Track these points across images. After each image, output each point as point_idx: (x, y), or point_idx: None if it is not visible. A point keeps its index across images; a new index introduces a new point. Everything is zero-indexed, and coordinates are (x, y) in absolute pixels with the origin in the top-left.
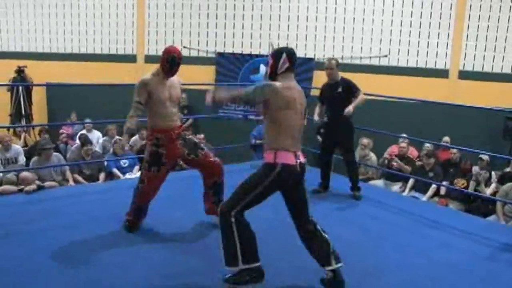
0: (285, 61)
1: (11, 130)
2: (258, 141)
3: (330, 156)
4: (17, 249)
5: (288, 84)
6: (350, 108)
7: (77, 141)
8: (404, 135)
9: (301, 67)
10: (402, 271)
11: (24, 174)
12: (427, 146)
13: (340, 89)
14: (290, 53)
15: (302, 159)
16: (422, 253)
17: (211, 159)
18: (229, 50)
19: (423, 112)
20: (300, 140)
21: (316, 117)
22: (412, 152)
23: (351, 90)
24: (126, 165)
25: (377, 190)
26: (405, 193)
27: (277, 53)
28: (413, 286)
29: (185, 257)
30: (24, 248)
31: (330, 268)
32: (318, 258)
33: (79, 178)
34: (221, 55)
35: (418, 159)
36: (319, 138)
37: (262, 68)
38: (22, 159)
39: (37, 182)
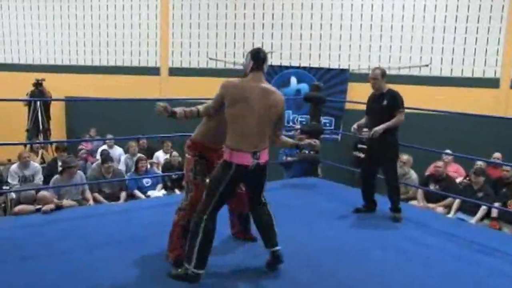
0: (250, 61)
1: (28, 146)
2: (289, 158)
3: (371, 174)
4: (34, 273)
5: (245, 83)
6: (377, 129)
7: (98, 157)
8: (448, 151)
9: (334, 79)
10: None
11: (43, 193)
12: (479, 164)
13: (385, 102)
14: (253, 52)
15: (262, 160)
16: (472, 282)
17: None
18: None
19: (470, 126)
20: (264, 141)
21: (354, 126)
22: (458, 170)
23: (393, 105)
24: (148, 184)
25: (419, 211)
26: (450, 215)
27: (246, 54)
28: None
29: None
30: (41, 271)
31: (275, 249)
32: (265, 237)
33: (99, 197)
34: None
35: (466, 178)
36: (356, 154)
37: (293, 80)
38: (39, 178)
39: (56, 201)
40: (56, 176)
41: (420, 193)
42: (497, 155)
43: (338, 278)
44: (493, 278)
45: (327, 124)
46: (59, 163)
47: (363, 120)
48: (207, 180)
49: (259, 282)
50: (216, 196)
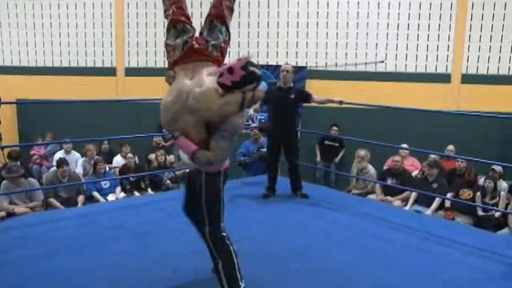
0: None
1: None
2: (246, 159)
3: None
4: None
5: None
6: None
7: (54, 163)
8: (404, 145)
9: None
10: None
11: None
12: (432, 156)
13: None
14: None
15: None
16: (431, 273)
17: None
18: None
19: (424, 120)
20: None
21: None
22: (414, 163)
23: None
24: (107, 186)
25: (377, 206)
26: (407, 207)
27: None
28: None
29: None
30: None
31: None
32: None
33: (55, 203)
34: None
35: (421, 171)
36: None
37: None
38: None
39: (10, 206)
40: (4, 182)
41: (378, 187)
42: (451, 147)
43: (304, 279)
44: (450, 267)
45: None
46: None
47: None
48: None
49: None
50: (221, 208)
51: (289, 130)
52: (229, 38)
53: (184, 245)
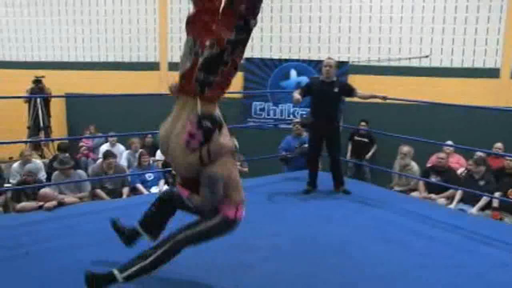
0: None
1: (30, 144)
2: (288, 154)
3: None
4: (35, 269)
5: None
6: None
7: (100, 155)
8: (449, 142)
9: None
10: None
11: (44, 190)
12: (478, 154)
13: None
14: None
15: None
16: (477, 274)
17: None
18: (257, 55)
19: (471, 117)
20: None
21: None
22: (460, 161)
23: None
24: (151, 178)
25: (420, 203)
26: (452, 206)
27: None
28: None
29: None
30: (43, 267)
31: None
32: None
33: (101, 194)
34: (248, 60)
35: (466, 169)
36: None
37: (293, 73)
38: (42, 175)
39: (60, 196)
40: (56, 173)
41: (421, 184)
42: (499, 145)
43: (341, 274)
44: (495, 269)
45: None
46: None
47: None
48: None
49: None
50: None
51: (332, 124)
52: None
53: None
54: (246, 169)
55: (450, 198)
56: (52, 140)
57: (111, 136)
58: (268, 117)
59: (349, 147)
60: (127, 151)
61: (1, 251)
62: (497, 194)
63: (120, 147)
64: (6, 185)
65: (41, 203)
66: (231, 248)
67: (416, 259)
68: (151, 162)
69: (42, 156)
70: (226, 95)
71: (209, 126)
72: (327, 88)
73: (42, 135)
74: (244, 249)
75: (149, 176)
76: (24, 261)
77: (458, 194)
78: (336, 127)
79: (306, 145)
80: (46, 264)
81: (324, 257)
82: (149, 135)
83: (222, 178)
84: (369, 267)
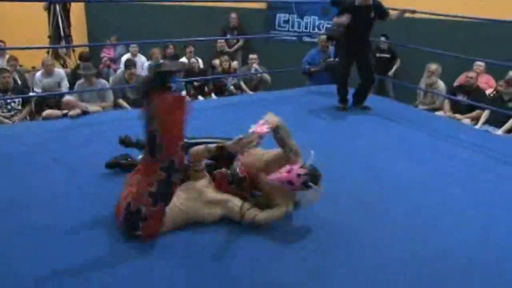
0: None
1: (51, 53)
2: (312, 68)
3: None
4: (64, 173)
5: None
6: None
7: (121, 66)
8: (479, 61)
9: None
10: (477, 214)
11: (67, 98)
12: (511, 73)
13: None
14: None
15: None
16: (499, 194)
17: None
18: None
19: (505, 33)
20: None
21: None
22: (489, 81)
23: None
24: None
25: (446, 122)
26: (477, 126)
27: None
28: (492, 233)
29: None
30: (71, 172)
31: None
32: None
33: (123, 103)
34: None
35: (495, 90)
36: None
37: None
38: (65, 84)
39: (82, 104)
40: (79, 82)
41: (446, 103)
42: None
43: (362, 188)
44: None
45: None
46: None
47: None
48: None
49: None
50: None
51: (366, 47)
52: None
53: None
54: (268, 78)
55: (476, 119)
56: (73, 48)
57: (132, 44)
58: (292, 29)
59: None
60: (149, 62)
61: (30, 156)
62: None
63: (141, 58)
64: (30, 93)
65: (65, 111)
66: None
67: (439, 177)
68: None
69: (64, 66)
70: (249, 5)
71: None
72: (364, 13)
73: (63, 44)
74: None
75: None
76: (53, 164)
77: (485, 115)
78: (370, 50)
79: (332, 59)
80: (75, 168)
81: (346, 170)
82: (171, 46)
83: None
84: (391, 182)
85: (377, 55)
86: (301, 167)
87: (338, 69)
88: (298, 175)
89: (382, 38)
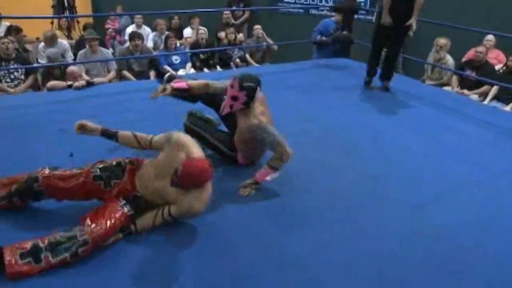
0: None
1: (55, 24)
2: (323, 38)
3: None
4: (72, 144)
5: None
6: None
7: (126, 37)
8: (490, 36)
9: None
10: (482, 191)
11: (72, 68)
12: None
13: None
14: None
15: None
16: (506, 171)
17: None
18: None
19: None
20: None
21: None
22: (499, 56)
23: None
24: (177, 61)
25: (454, 98)
26: (485, 102)
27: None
28: (498, 210)
29: None
30: (80, 143)
31: None
32: None
33: (128, 75)
34: None
35: (505, 65)
36: None
37: None
38: (69, 56)
39: (86, 77)
40: (82, 51)
41: (454, 79)
42: None
43: (368, 162)
44: None
45: (362, 4)
46: None
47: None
48: None
49: None
50: None
51: (404, 25)
52: None
53: None
54: (275, 47)
55: (484, 95)
56: (77, 18)
57: (136, 14)
58: (299, 2)
59: None
60: (153, 33)
61: (36, 127)
62: None
63: (146, 29)
64: (35, 64)
65: (70, 82)
66: None
67: (447, 152)
68: (178, 44)
69: (68, 37)
70: None
71: (252, 84)
72: None
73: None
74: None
75: (176, 59)
76: (61, 135)
77: (493, 90)
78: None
79: (344, 32)
80: (81, 139)
81: (352, 144)
82: (176, 17)
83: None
84: (397, 157)
85: None
86: None
87: (347, 41)
88: (230, 85)
89: None
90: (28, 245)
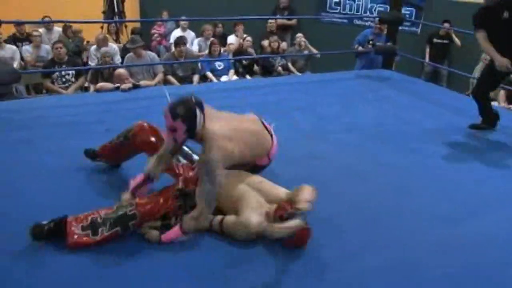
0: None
1: (105, 29)
2: (361, 48)
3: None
4: None
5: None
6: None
7: (172, 41)
8: None
9: None
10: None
11: (119, 70)
12: None
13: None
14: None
15: None
16: None
17: None
18: None
19: None
20: None
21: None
22: None
23: None
24: (221, 67)
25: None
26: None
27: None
28: None
29: None
30: None
31: None
32: None
33: (173, 80)
34: None
35: None
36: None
37: None
38: (117, 59)
39: (132, 80)
40: (128, 55)
41: (502, 94)
42: None
43: (406, 179)
44: None
45: (407, 15)
46: None
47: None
48: None
49: None
50: None
51: None
52: None
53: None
54: (317, 54)
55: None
56: (125, 23)
57: (181, 20)
58: (344, 12)
59: (427, 50)
60: (199, 38)
61: (84, 126)
62: None
63: (191, 33)
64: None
65: (117, 84)
66: (303, 139)
67: (486, 173)
68: (221, 51)
69: (117, 41)
70: None
71: (186, 109)
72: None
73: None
74: (316, 140)
75: (219, 65)
76: (107, 135)
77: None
78: None
79: (389, 44)
80: None
81: (391, 157)
82: (219, 25)
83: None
84: (438, 171)
85: (435, 40)
86: None
87: (390, 53)
88: (165, 116)
89: (445, 25)
90: (89, 219)
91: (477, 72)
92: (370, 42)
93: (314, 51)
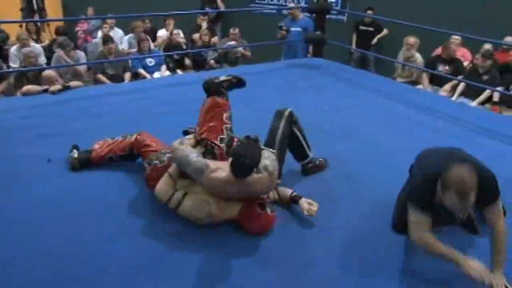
0: None
1: (24, 27)
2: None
3: None
4: (51, 148)
5: None
6: None
7: (99, 38)
8: (457, 35)
9: None
10: None
11: (48, 72)
12: (487, 47)
13: None
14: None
15: None
16: None
17: None
18: None
19: (480, 6)
20: None
21: None
22: (465, 54)
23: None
24: (152, 64)
25: (424, 94)
26: (453, 98)
27: None
28: None
29: None
30: (57, 149)
31: None
32: None
33: (103, 78)
34: None
35: (471, 63)
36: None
37: None
38: (42, 60)
39: (61, 81)
40: (55, 55)
41: (424, 76)
42: (509, 39)
43: (343, 158)
44: (496, 159)
45: (333, 4)
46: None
47: None
48: None
49: None
50: None
51: None
52: None
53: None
54: (249, 54)
55: (452, 90)
56: (48, 22)
57: (108, 18)
58: (272, 2)
59: (354, 37)
60: (129, 35)
61: (16, 132)
62: (499, 89)
63: (118, 31)
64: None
65: (46, 87)
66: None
67: (419, 146)
68: (152, 47)
69: (38, 41)
70: None
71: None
72: None
73: (36, 18)
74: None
75: (150, 61)
76: (40, 139)
77: (461, 86)
78: None
79: (318, 33)
80: (60, 144)
81: (330, 142)
82: (147, 21)
83: None
84: (375, 152)
85: (361, 28)
86: None
87: (320, 41)
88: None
89: (369, 12)
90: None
91: (400, 56)
92: (283, 28)
93: (246, 52)
